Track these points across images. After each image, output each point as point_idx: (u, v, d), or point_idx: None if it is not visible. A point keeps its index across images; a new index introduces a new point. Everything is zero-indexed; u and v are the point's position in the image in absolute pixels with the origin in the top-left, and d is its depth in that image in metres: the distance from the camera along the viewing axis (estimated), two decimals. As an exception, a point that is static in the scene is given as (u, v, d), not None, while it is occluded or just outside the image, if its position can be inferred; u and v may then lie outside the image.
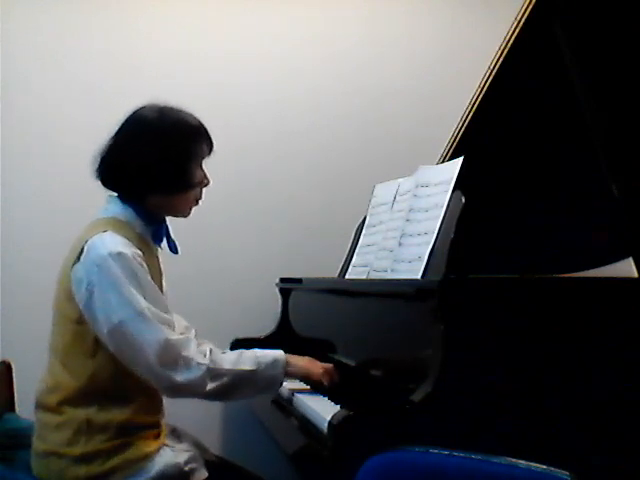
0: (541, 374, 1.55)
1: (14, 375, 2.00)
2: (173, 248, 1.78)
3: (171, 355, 1.54)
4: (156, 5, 2.89)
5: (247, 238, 2.89)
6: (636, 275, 1.94)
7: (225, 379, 1.60)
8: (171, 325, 1.59)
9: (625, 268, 2.07)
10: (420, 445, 1.18)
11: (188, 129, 1.70)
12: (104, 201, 1.75)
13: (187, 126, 1.70)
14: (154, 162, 1.65)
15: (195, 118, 1.73)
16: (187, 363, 1.55)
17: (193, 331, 2.05)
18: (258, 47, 2.93)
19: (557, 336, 1.57)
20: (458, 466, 1.12)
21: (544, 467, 1.07)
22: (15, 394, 1.99)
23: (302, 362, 1.75)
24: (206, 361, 1.58)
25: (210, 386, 1.58)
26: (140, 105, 1.73)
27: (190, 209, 1.76)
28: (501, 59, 1.98)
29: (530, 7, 1.89)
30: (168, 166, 1.66)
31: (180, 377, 1.54)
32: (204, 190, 1.77)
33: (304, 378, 1.78)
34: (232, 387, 1.62)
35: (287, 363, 1.69)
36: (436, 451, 1.15)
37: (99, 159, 1.70)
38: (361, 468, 1.17)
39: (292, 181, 2.94)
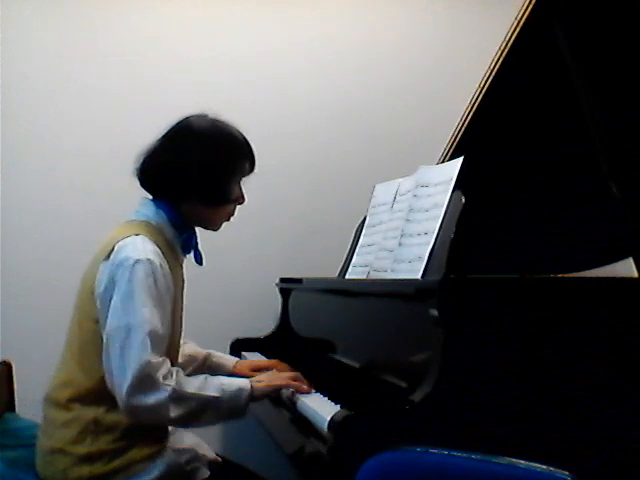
0: (541, 374, 1.55)
1: (14, 375, 1.99)
2: (198, 259, 1.79)
3: (144, 376, 1.51)
4: (156, 6, 2.89)
5: (247, 238, 2.89)
6: (636, 275, 1.94)
7: (188, 404, 1.57)
8: (162, 344, 1.57)
9: (625, 268, 2.07)
10: (420, 445, 1.18)
11: (236, 145, 1.74)
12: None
13: (235, 142, 1.74)
14: (197, 170, 1.67)
15: (243, 135, 1.76)
16: (153, 384, 1.52)
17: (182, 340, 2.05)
18: (258, 47, 2.94)
19: (557, 336, 1.57)
20: (458, 466, 1.12)
21: (544, 467, 1.07)
22: (15, 394, 1.99)
23: (265, 382, 1.71)
24: (172, 382, 1.55)
25: (174, 411, 1.54)
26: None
27: (221, 224, 1.79)
28: (501, 59, 1.98)
29: (530, 7, 1.88)
30: (210, 177, 1.69)
31: (145, 400, 1.51)
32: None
33: (275, 393, 1.76)
34: (195, 413, 1.58)
35: (253, 390, 1.65)
36: (436, 451, 1.15)
37: (142, 159, 1.71)
38: (361, 468, 1.17)
39: (292, 181, 2.94)
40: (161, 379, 1.53)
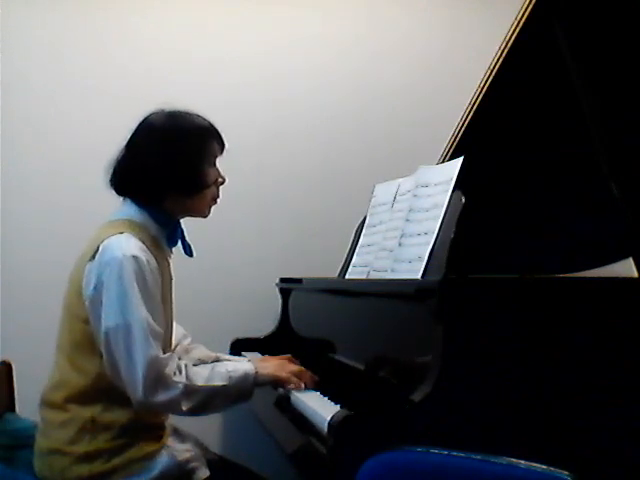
0: (541, 374, 1.55)
1: (14, 375, 1.99)
2: (188, 250, 1.79)
3: (155, 373, 1.54)
4: (157, 6, 2.89)
5: (247, 238, 2.90)
6: (636, 275, 1.94)
7: (199, 396, 1.60)
8: (160, 339, 1.59)
9: (625, 268, 2.07)
10: (420, 445, 1.18)
11: (197, 130, 1.72)
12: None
13: (196, 127, 1.72)
14: (167, 166, 1.66)
15: (204, 119, 1.75)
16: (166, 382, 1.56)
17: (189, 339, 2.06)
18: (258, 47, 2.94)
19: (557, 336, 1.57)
20: (458, 466, 1.12)
21: (544, 467, 1.07)
22: (15, 394, 1.99)
23: (269, 369, 1.76)
24: (182, 379, 1.58)
25: (185, 404, 1.58)
26: (149, 111, 1.75)
27: (209, 208, 1.78)
28: (501, 59, 1.98)
29: (530, 7, 1.88)
30: (182, 168, 1.68)
31: (159, 397, 1.55)
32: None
33: (273, 384, 1.79)
34: (205, 403, 1.62)
35: (256, 375, 1.70)
36: (436, 451, 1.15)
37: (112, 169, 1.72)
38: (361, 468, 1.17)
39: (292, 181, 2.94)
40: (172, 376, 1.56)
